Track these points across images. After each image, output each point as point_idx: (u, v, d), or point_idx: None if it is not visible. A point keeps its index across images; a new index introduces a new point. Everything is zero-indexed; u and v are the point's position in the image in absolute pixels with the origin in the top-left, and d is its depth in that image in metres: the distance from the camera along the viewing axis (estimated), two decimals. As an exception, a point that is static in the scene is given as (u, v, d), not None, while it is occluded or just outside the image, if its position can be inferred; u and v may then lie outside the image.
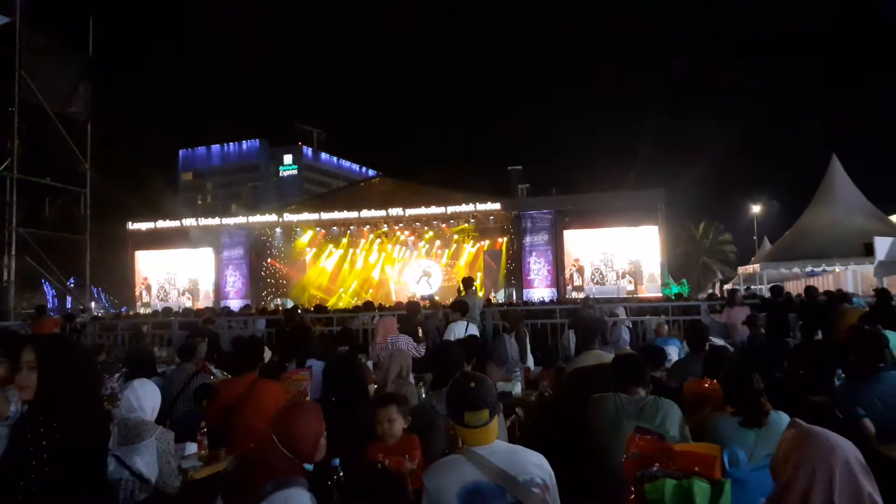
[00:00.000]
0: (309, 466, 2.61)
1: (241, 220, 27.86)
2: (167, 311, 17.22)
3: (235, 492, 2.44)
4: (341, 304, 25.68)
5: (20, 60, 15.15)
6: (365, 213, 25.97)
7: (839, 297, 9.24)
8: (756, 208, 37.08)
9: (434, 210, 25.46)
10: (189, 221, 27.41)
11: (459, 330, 7.43)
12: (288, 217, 27.16)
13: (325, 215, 26.39)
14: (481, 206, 25.15)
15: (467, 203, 25.16)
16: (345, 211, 26.17)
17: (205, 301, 26.39)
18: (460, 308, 7.91)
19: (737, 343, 8.36)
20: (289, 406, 2.92)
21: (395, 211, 25.68)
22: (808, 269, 19.39)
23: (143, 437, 3.55)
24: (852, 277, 19.04)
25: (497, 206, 25.07)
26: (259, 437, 2.65)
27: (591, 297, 14.25)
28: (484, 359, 6.09)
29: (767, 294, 11.91)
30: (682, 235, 45.67)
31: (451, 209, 25.39)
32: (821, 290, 12.59)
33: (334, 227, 27.70)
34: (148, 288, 27.56)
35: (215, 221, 27.58)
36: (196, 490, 3.66)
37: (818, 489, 1.63)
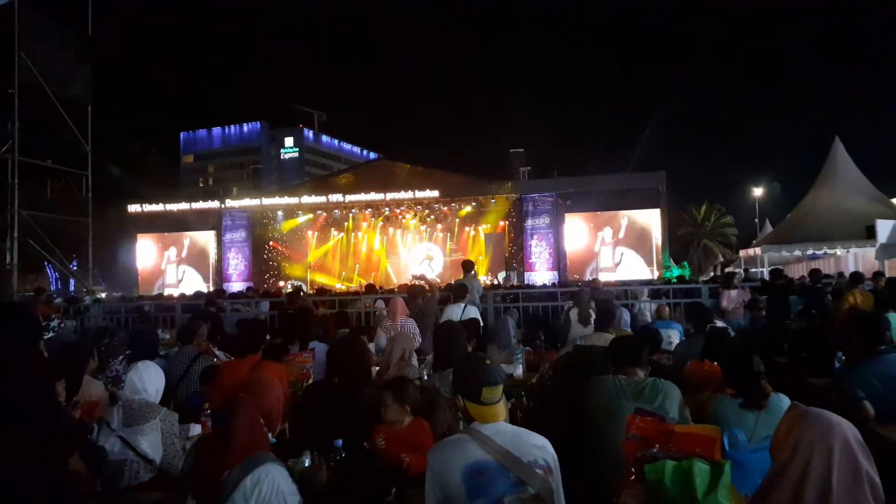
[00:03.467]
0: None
1: (242, 202, 27.77)
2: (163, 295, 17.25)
3: (204, 483, 2.39)
4: (343, 288, 25.73)
5: (20, 42, 15.06)
6: (366, 196, 25.92)
7: (854, 280, 9.16)
8: (758, 191, 37.03)
9: (406, 194, 25.58)
10: (190, 204, 27.42)
11: (455, 313, 7.44)
12: (289, 200, 27.11)
13: (327, 197, 26.34)
14: (420, 194, 25.33)
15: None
16: (346, 194, 26.13)
17: (207, 284, 26.44)
18: (456, 292, 7.94)
19: (732, 325, 8.38)
20: (258, 374, 3.02)
21: (396, 194, 25.70)
22: (810, 251, 19.40)
23: (148, 419, 3.59)
24: (853, 260, 19.03)
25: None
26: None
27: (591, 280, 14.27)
28: (484, 341, 6.12)
29: (767, 277, 11.91)
30: (683, 218, 45.61)
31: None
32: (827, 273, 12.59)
33: (336, 210, 27.67)
34: (150, 270, 27.61)
35: (217, 204, 27.53)
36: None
37: (816, 467, 1.64)
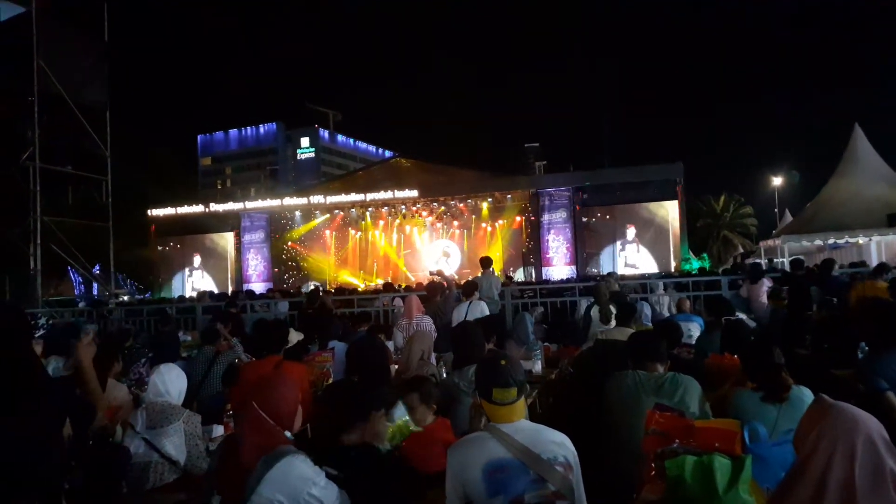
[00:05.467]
0: (291, 437, 2.58)
1: (260, 203, 27.95)
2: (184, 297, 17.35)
3: (229, 482, 2.41)
4: (361, 287, 25.82)
5: (38, 50, 15.24)
6: (382, 195, 25.99)
7: (876, 271, 9.01)
8: (777, 180, 36.56)
9: (387, 194, 25.96)
10: (209, 207, 27.66)
11: (461, 311, 7.46)
12: (336, 198, 27.21)
13: (343, 197, 26.43)
14: (399, 194, 25.66)
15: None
16: (363, 193, 26.21)
17: (227, 285, 26.64)
18: (466, 290, 7.99)
19: (760, 317, 8.29)
20: (265, 374, 2.95)
21: (375, 195, 25.99)
22: (831, 241, 19.12)
23: (171, 421, 3.64)
24: (875, 248, 18.76)
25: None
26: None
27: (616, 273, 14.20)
28: (503, 337, 6.12)
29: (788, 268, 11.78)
30: (701, 209, 45.22)
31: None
32: (845, 262, 12.41)
33: (353, 210, 27.77)
34: (170, 272, 27.90)
35: (236, 206, 27.75)
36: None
37: (838, 463, 1.63)
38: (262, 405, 2.49)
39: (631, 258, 23.48)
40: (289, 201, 27.54)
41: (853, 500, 1.61)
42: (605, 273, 18.71)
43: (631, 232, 23.59)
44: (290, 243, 28.55)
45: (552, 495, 2.36)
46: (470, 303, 7.62)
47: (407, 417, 2.94)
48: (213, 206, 27.71)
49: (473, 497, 2.41)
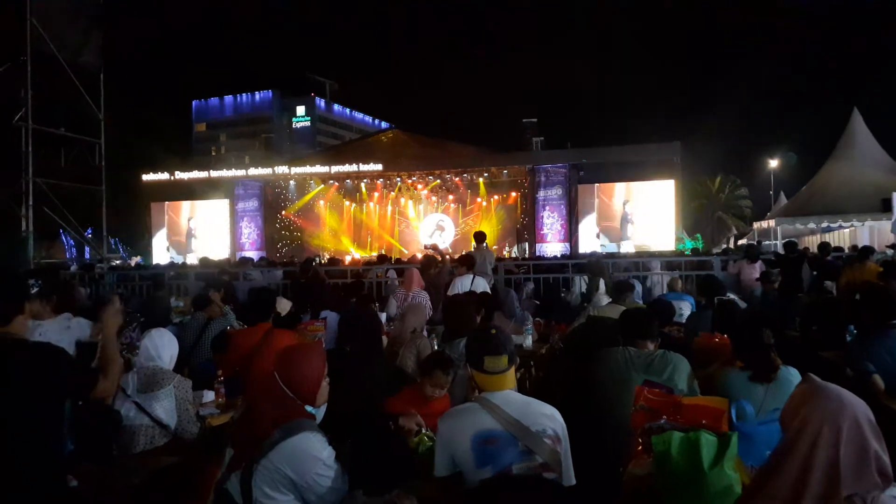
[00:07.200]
0: (315, 411, 2.51)
1: (254, 171, 27.72)
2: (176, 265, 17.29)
3: (244, 440, 2.42)
4: (356, 258, 25.79)
5: (31, 8, 14.99)
6: (377, 167, 25.81)
7: (862, 254, 9.06)
8: (774, 163, 36.47)
9: (351, 167, 25.84)
10: (203, 173, 27.43)
11: (465, 284, 7.46)
12: (300, 170, 27.03)
13: (338, 168, 26.25)
14: (364, 167, 25.57)
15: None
16: (358, 164, 26.02)
17: (219, 252, 26.56)
18: (466, 262, 7.95)
19: (748, 297, 8.33)
20: (292, 346, 2.80)
21: (340, 167, 25.92)
22: (824, 224, 19.17)
23: (162, 385, 3.66)
24: (869, 233, 18.83)
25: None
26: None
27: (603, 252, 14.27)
28: (492, 311, 6.14)
29: (781, 250, 11.81)
30: (697, 189, 45.15)
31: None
32: (838, 245, 12.47)
33: (347, 181, 27.61)
34: (162, 238, 27.78)
35: (229, 173, 27.54)
36: (213, 436, 3.77)
37: (824, 445, 1.64)
38: (285, 379, 2.46)
39: (617, 233, 23.53)
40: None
41: (837, 481, 1.62)
42: (591, 252, 18.72)
43: (620, 206, 23.59)
44: (284, 213, 28.40)
45: (540, 467, 2.39)
46: (473, 277, 7.61)
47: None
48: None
49: (462, 467, 2.43)
